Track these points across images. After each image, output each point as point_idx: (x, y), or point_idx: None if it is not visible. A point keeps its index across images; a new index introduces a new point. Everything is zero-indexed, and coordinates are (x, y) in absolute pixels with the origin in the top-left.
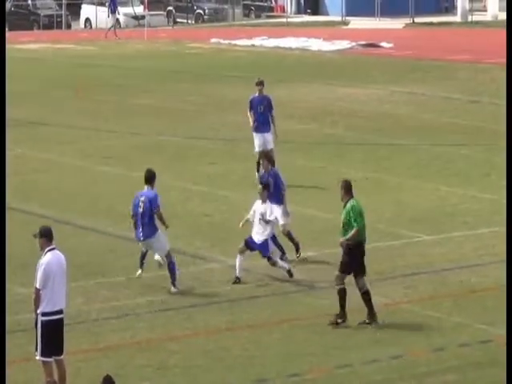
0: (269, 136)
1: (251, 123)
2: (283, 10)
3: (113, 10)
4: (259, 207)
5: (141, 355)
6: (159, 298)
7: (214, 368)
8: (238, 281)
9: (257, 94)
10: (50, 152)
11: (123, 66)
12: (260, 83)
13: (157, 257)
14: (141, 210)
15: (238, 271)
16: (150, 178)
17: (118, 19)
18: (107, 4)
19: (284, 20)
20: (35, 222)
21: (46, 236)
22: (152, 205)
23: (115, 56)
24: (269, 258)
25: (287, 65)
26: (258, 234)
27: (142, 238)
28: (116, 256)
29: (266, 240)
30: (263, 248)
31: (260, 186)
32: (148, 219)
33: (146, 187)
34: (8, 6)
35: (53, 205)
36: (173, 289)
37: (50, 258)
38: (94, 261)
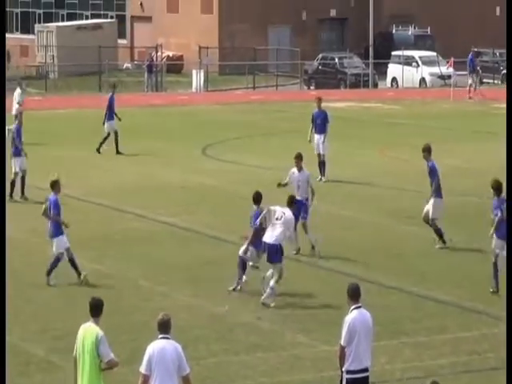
0: None
1: None
2: None
3: (472, 70)
4: None
5: None
6: (462, 359)
7: None
8: None
9: None
10: (351, 210)
11: (428, 125)
12: None
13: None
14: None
15: None
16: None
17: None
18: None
19: None
20: (339, 279)
21: (352, 294)
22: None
23: (420, 115)
24: None
25: None
26: None
27: None
28: (419, 316)
29: None
30: None
31: None
32: None
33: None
34: (315, 64)
35: (354, 262)
36: None
37: (355, 316)
38: (398, 320)
